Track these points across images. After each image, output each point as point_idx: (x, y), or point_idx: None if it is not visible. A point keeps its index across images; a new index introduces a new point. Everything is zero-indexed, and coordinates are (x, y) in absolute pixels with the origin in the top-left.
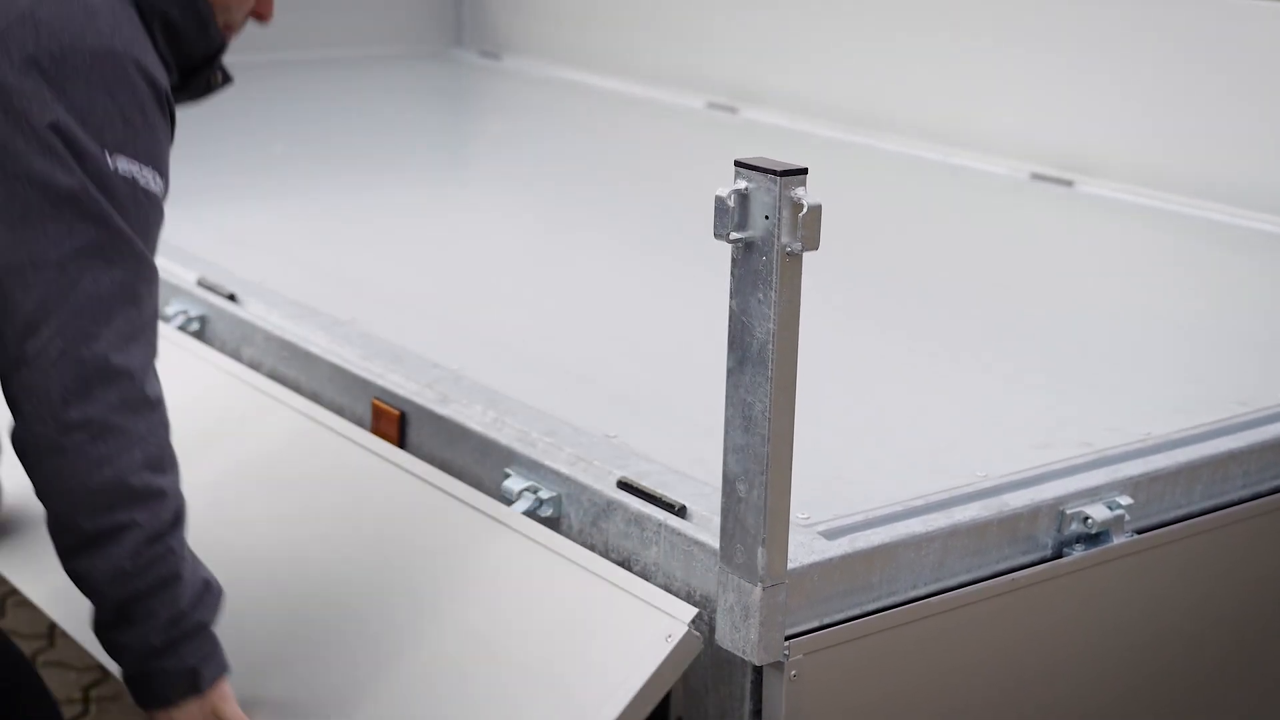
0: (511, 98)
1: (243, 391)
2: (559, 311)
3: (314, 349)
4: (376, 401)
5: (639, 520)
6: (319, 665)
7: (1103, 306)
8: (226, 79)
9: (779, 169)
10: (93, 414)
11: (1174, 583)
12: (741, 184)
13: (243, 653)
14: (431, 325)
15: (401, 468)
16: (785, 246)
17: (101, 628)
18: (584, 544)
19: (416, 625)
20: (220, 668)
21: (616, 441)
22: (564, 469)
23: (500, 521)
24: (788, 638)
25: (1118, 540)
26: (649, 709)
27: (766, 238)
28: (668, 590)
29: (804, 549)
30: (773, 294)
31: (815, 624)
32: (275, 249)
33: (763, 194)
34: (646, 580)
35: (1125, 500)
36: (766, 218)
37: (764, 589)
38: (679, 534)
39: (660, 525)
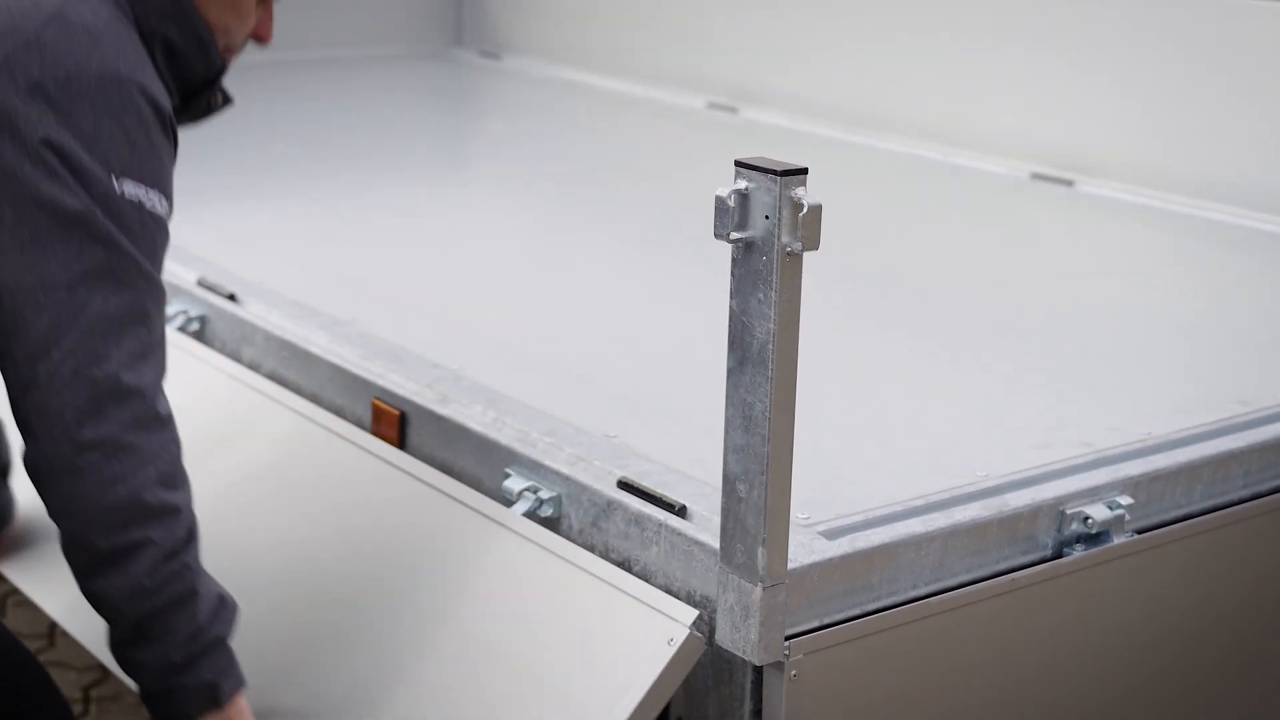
0: (511, 98)
1: (242, 394)
2: (559, 311)
3: (314, 349)
4: (376, 401)
5: (639, 520)
6: (322, 673)
7: (1103, 306)
8: (226, 100)
9: (779, 169)
10: (106, 433)
11: (1174, 583)
12: (742, 184)
13: (247, 661)
14: (431, 325)
15: (402, 470)
16: (785, 246)
17: (119, 646)
18: (584, 544)
19: (420, 631)
20: (238, 681)
21: (616, 441)
22: (564, 469)
23: (501, 524)
24: (788, 638)
25: (1118, 540)
26: (654, 715)
27: (767, 237)
28: (668, 591)
29: (804, 549)
30: (773, 294)
31: (815, 624)
32: (275, 249)
33: (763, 194)
34: (647, 580)
35: (1125, 500)
36: (767, 217)
37: (764, 589)
38: (679, 534)
39: (660, 525)
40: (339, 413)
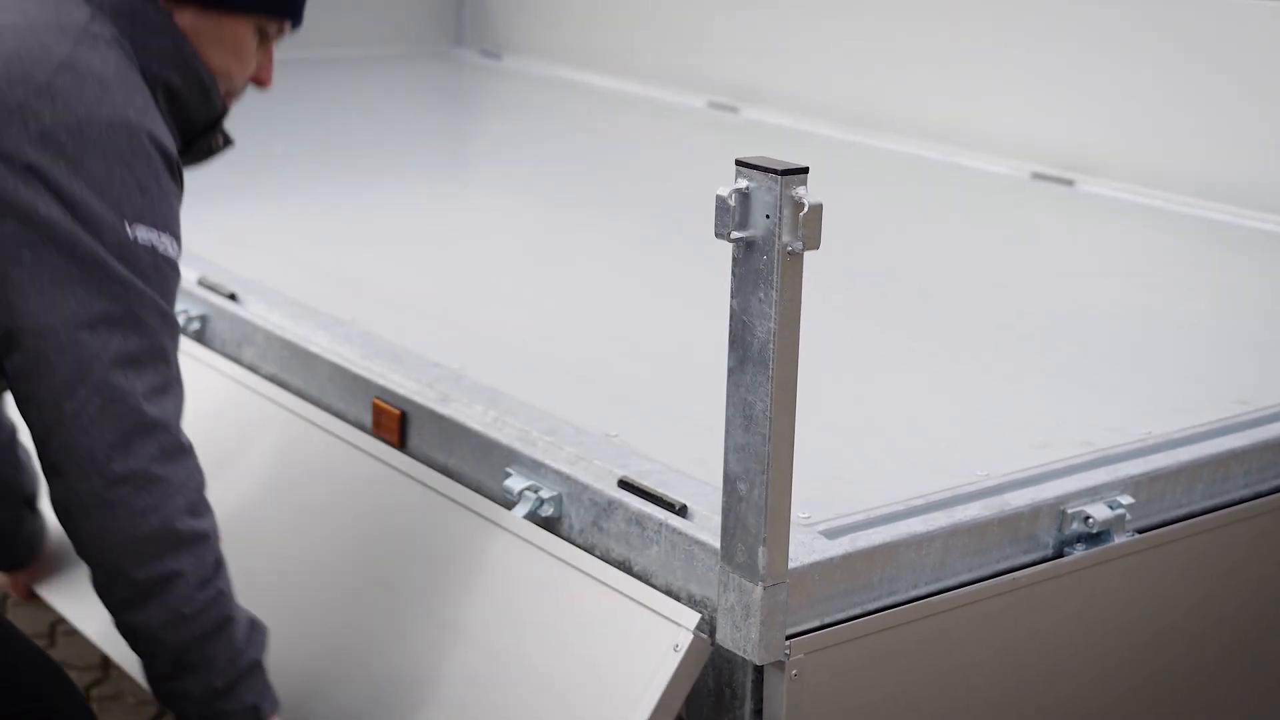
0: (512, 97)
1: (242, 397)
2: (559, 311)
3: (314, 348)
4: (377, 401)
5: (640, 520)
6: (329, 683)
7: (1103, 306)
8: (227, 142)
9: (780, 168)
10: (135, 466)
11: (1175, 582)
12: (742, 183)
13: None
14: (432, 325)
15: (403, 474)
16: (786, 246)
17: (159, 680)
18: (585, 543)
19: (426, 639)
20: (275, 703)
21: (617, 441)
22: (565, 468)
23: (504, 528)
24: (788, 637)
25: (1119, 540)
26: None
27: (767, 237)
28: (669, 591)
29: (805, 548)
30: (774, 293)
31: (816, 623)
32: (275, 249)
33: (764, 193)
34: (648, 580)
35: (1126, 499)
36: (767, 217)
37: (765, 588)
38: (680, 533)
39: (661, 525)
40: (339, 412)
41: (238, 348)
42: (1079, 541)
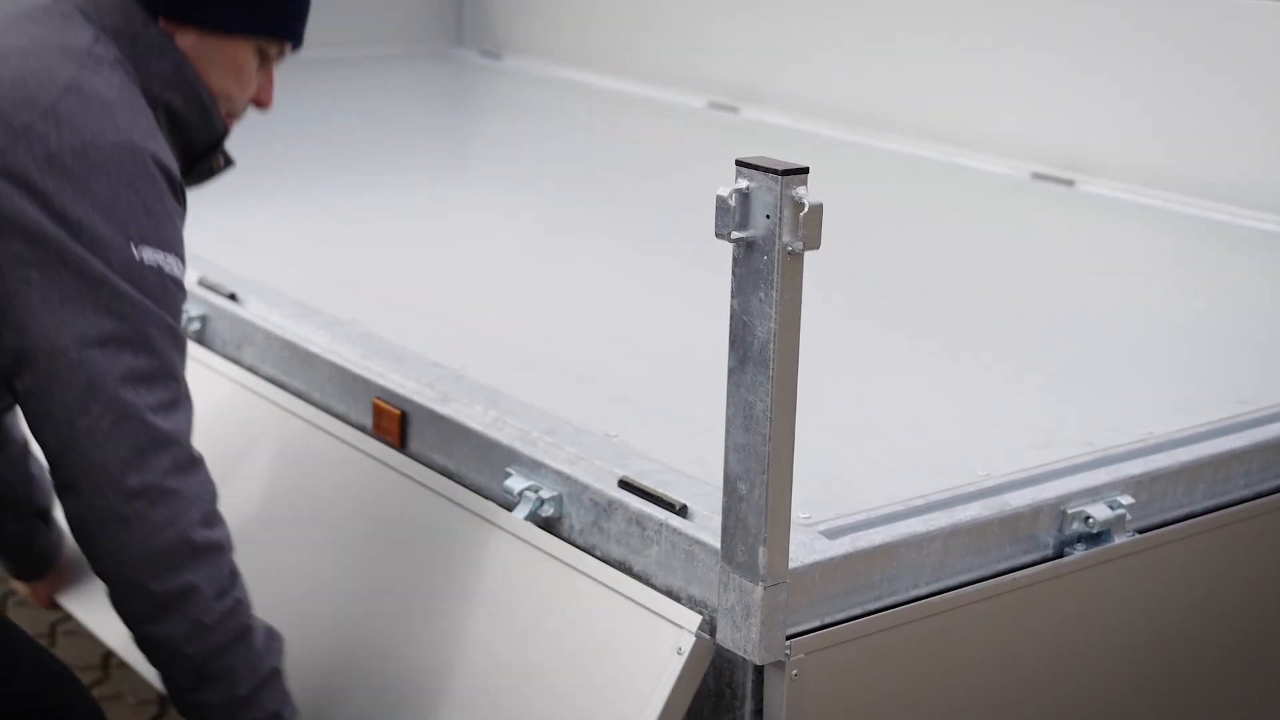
0: (512, 98)
1: (242, 398)
2: (559, 311)
3: (315, 348)
4: (377, 401)
5: (640, 520)
6: (333, 687)
7: (1103, 306)
8: (228, 162)
9: (780, 168)
10: (150, 480)
11: (1175, 582)
12: (743, 183)
13: None
14: (432, 325)
15: (404, 475)
16: (786, 246)
17: (181, 693)
18: (585, 544)
19: (429, 643)
20: (295, 710)
21: (617, 441)
22: (565, 468)
23: (505, 530)
24: (789, 637)
25: (1119, 540)
26: None
27: (768, 237)
28: (668, 592)
29: (805, 548)
30: (774, 293)
31: (816, 623)
32: (275, 249)
33: (764, 193)
34: (648, 580)
35: (1126, 500)
36: (768, 217)
37: (765, 588)
38: (680, 533)
39: (661, 525)
40: (339, 412)
41: (238, 348)
42: (1079, 541)
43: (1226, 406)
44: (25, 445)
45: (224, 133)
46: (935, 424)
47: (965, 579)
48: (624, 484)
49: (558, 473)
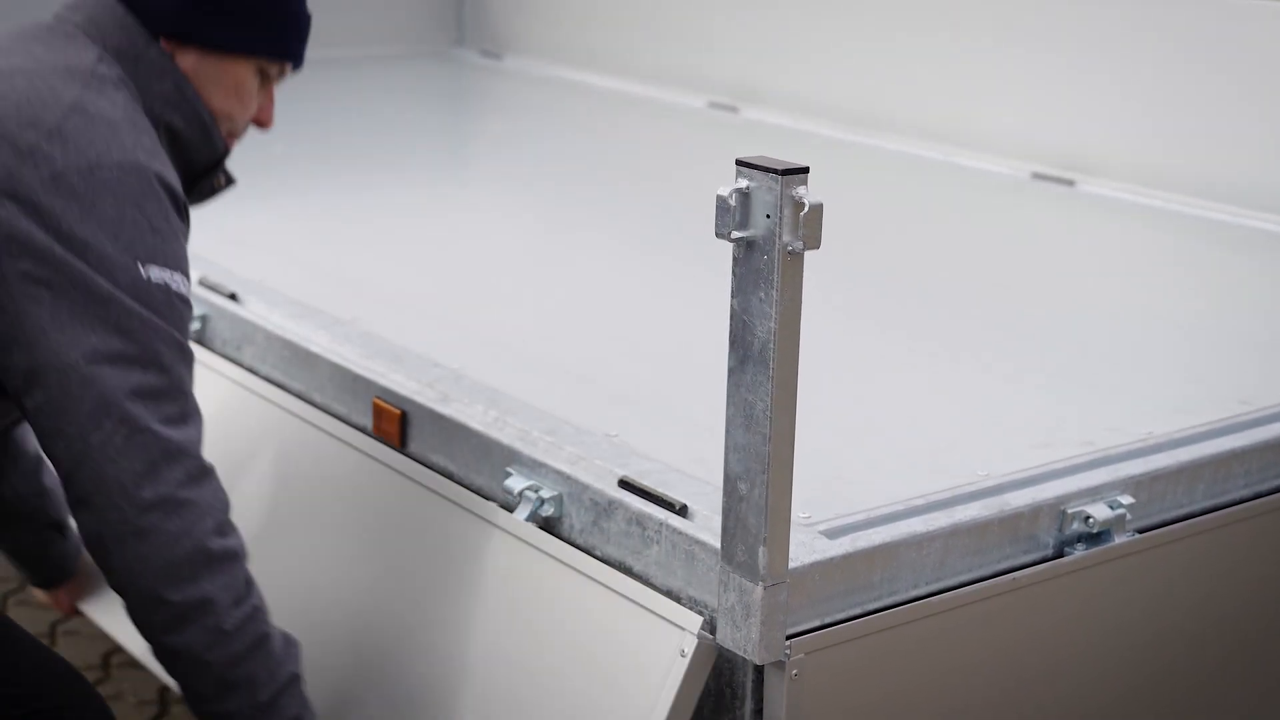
0: (512, 97)
1: (241, 398)
2: (559, 311)
3: (315, 348)
4: (378, 401)
5: (640, 520)
6: (337, 691)
7: (1103, 306)
8: (229, 181)
9: (780, 168)
10: (164, 492)
11: (1175, 582)
12: (743, 183)
13: None
14: (432, 325)
15: (405, 476)
16: (786, 245)
17: (202, 702)
18: (585, 544)
19: (433, 646)
20: (314, 715)
21: (617, 441)
22: (565, 468)
23: (506, 531)
24: (789, 637)
25: (1119, 540)
26: None
27: (768, 237)
28: (668, 592)
29: (805, 548)
30: (774, 293)
31: (816, 623)
32: (275, 249)
33: (764, 193)
34: (648, 581)
35: (1126, 499)
36: (768, 217)
37: (765, 588)
38: (680, 533)
39: (661, 525)
40: (339, 412)
41: (238, 348)
42: (1079, 541)
43: (1226, 406)
44: (38, 458)
45: (225, 152)
46: (935, 424)
47: (965, 579)
48: (624, 484)
49: (558, 472)
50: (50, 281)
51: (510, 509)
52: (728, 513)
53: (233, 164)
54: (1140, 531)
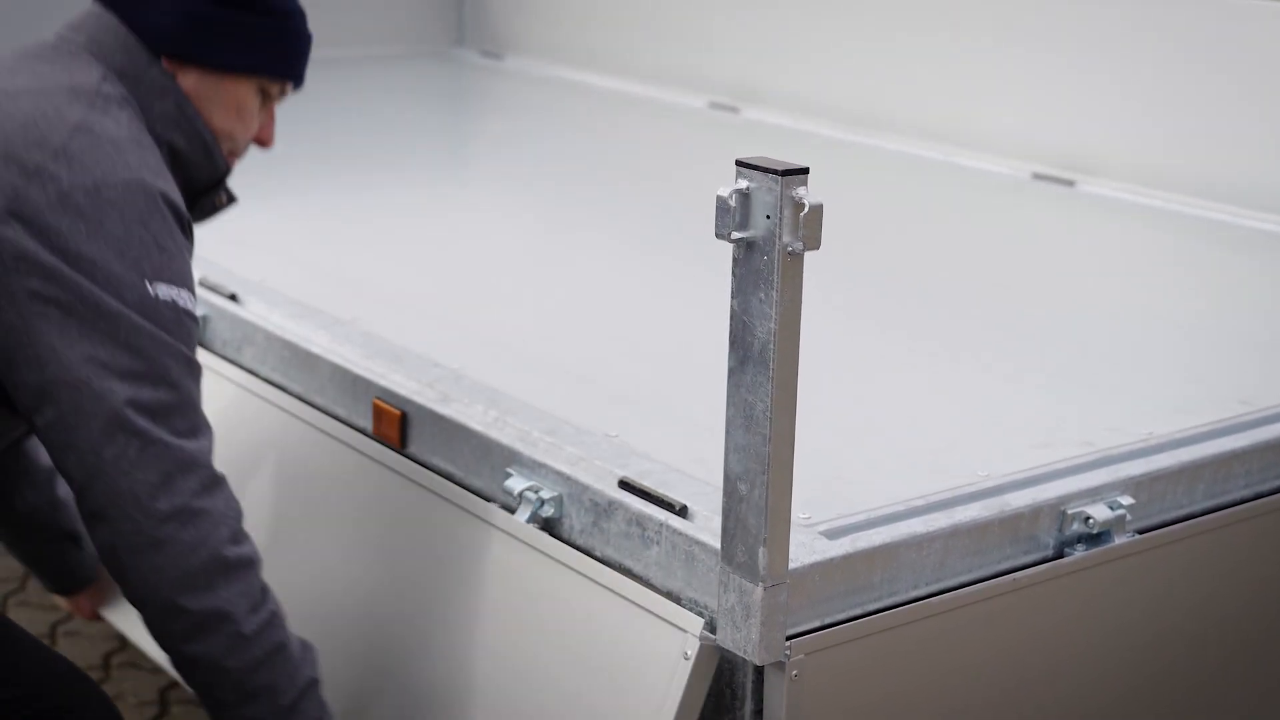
0: (512, 98)
1: (241, 399)
2: (559, 311)
3: (315, 349)
4: (378, 401)
5: (640, 520)
6: (340, 693)
7: (1103, 306)
8: (231, 199)
9: (780, 168)
10: (179, 502)
11: (1176, 583)
12: (743, 183)
13: None
14: (432, 325)
15: (406, 478)
16: (786, 246)
17: (222, 709)
18: (585, 544)
19: (438, 649)
20: (333, 718)
21: (617, 441)
22: (565, 468)
23: (507, 533)
24: (789, 637)
25: (1119, 540)
26: None
27: (768, 237)
28: (668, 593)
29: (805, 549)
30: (774, 293)
31: (816, 624)
32: (275, 249)
33: (764, 193)
34: (648, 582)
35: (1127, 500)
36: (768, 217)
37: (765, 589)
38: (680, 534)
39: (661, 525)
40: (339, 413)
41: (238, 348)
42: (1079, 542)
43: (1227, 406)
44: (50, 470)
45: (226, 171)
46: (935, 424)
47: (965, 579)
48: (624, 484)
49: (558, 473)
50: (59, 300)
51: (510, 510)
52: (728, 513)
53: (235, 200)
54: (1140, 532)
